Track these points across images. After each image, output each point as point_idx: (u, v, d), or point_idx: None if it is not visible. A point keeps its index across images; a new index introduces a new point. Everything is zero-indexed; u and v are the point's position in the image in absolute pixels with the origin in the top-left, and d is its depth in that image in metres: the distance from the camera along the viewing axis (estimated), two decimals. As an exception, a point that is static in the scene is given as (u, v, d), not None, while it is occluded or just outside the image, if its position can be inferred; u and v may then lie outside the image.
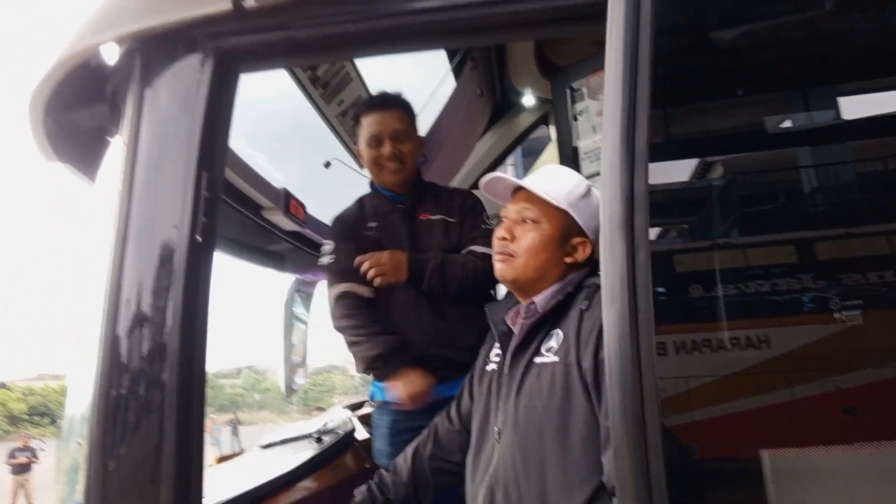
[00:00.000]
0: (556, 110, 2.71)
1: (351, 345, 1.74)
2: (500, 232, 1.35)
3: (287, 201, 2.29)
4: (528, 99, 3.10)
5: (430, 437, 1.52)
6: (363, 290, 1.76)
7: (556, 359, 1.22)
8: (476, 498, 1.29)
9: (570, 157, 2.58)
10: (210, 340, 1.11)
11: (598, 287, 1.20)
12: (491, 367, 1.38)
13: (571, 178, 1.37)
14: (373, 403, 1.84)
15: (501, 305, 1.41)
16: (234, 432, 22.34)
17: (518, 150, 5.22)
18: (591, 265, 1.33)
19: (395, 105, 1.88)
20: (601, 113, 2.60)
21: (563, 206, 1.30)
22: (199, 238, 1.09)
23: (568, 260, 1.32)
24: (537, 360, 1.25)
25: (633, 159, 0.88)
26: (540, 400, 1.21)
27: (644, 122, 0.88)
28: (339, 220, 1.92)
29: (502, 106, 3.22)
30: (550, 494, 1.17)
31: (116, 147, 1.23)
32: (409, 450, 1.52)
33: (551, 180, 1.35)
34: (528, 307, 1.32)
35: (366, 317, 1.74)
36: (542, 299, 1.31)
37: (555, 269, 1.32)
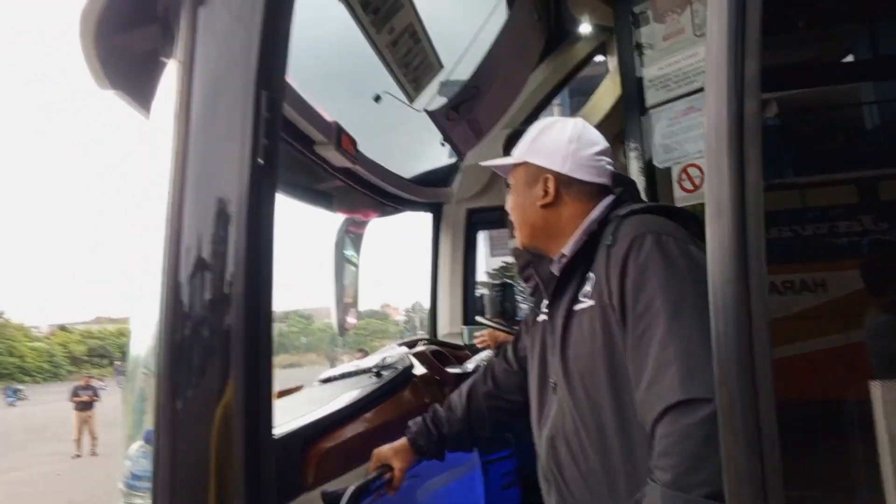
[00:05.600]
0: (617, 37, 2.57)
1: None
2: None
3: (339, 135, 2.22)
4: (585, 27, 2.94)
5: (486, 376, 1.55)
6: None
7: (592, 302, 1.19)
8: (540, 449, 1.29)
9: (634, 87, 2.46)
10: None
11: (622, 217, 1.21)
12: (542, 317, 1.37)
13: (531, 128, 1.40)
14: None
15: (547, 259, 1.40)
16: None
17: (565, 91, 5.06)
18: (617, 196, 1.31)
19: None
20: (668, 37, 2.47)
21: (517, 160, 1.37)
22: (261, 161, 1.04)
23: (540, 202, 1.32)
24: (577, 307, 1.23)
25: (742, 79, 0.79)
26: (584, 346, 1.19)
27: (755, 36, 0.79)
28: None
29: (557, 36, 3.06)
30: (610, 437, 1.15)
31: (171, 69, 1.18)
32: (465, 387, 1.54)
33: (520, 143, 1.40)
34: (559, 258, 1.31)
35: None
36: (569, 246, 1.29)
37: (538, 218, 1.33)
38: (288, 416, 1.42)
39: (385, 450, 1.45)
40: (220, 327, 0.99)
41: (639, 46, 2.52)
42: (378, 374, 1.75)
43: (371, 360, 1.96)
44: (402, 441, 1.47)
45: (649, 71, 2.44)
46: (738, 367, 0.75)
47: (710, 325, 0.76)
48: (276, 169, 1.07)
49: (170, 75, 1.17)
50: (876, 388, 0.95)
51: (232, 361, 0.99)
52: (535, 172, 1.33)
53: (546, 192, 1.31)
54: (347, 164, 2.40)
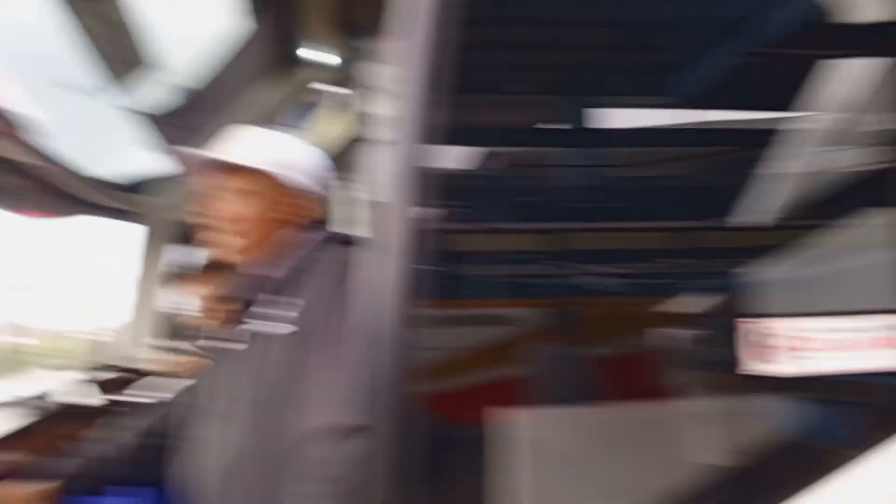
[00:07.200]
0: (346, 72, 2.64)
1: None
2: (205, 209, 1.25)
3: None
4: (316, 55, 2.96)
5: (158, 408, 1.41)
6: None
7: (283, 327, 1.15)
8: (210, 482, 1.19)
9: (358, 121, 2.54)
10: None
11: (324, 245, 1.21)
12: (232, 343, 1.25)
13: (272, 138, 1.29)
14: None
15: (247, 279, 1.27)
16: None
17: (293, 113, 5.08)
18: (324, 227, 1.28)
19: None
20: (391, 79, 2.59)
21: (256, 165, 1.21)
22: None
23: (271, 215, 1.22)
24: (269, 331, 1.17)
25: (422, 130, 0.84)
26: (269, 373, 1.15)
27: (441, 91, 0.85)
28: None
29: (288, 60, 3.04)
30: (283, 467, 1.11)
31: None
32: (131, 421, 1.39)
33: (252, 145, 1.26)
34: (263, 280, 1.22)
35: None
36: (277, 269, 1.21)
37: (263, 233, 1.22)
38: None
39: (25, 492, 1.23)
40: None
41: (366, 83, 2.61)
42: (32, 406, 1.50)
43: (29, 389, 1.67)
44: (49, 482, 1.27)
45: (372, 108, 2.54)
46: (389, 399, 0.80)
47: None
48: None
49: None
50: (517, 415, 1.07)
51: None
52: (272, 185, 1.22)
53: (278, 207, 1.22)
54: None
